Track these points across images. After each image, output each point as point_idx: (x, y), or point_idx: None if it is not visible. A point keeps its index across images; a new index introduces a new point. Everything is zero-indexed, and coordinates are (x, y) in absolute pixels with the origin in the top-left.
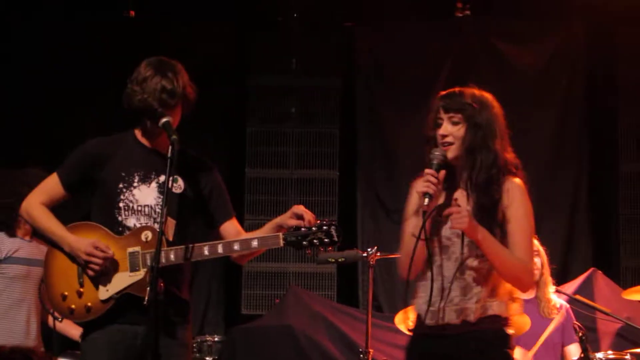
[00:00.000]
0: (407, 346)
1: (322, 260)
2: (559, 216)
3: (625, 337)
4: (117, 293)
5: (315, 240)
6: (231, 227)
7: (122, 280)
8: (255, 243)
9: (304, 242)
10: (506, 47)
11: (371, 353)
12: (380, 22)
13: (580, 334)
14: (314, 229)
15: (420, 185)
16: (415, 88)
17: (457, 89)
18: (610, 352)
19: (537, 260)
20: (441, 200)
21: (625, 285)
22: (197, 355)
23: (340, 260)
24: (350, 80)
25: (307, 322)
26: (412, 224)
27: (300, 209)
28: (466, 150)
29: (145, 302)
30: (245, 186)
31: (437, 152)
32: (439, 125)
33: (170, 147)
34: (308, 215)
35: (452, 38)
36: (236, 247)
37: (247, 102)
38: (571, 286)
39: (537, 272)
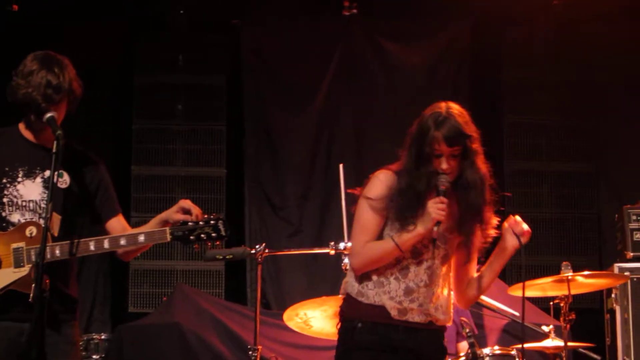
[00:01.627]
0: (361, 330)
1: (210, 257)
2: None
3: (511, 333)
4: (0, 289)
5: (202, 235)
6: (117, 224)
7: (6, 276)
8: (142, 238)
9: (191, 237)
10: (393, 47)
11: (260, 350)
12: (266, 20)
13: (467, 330)
14: (201, 223)
15: (436, 213)
16: (302, 86)
17: (454, 118)
18: (497, 347)
19: None
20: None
21: (512, 283)
22: (84, 353)
23: (228, 257)
24: (238, 77)
25: (195, 320)
26: (394, 229)
27: (187, 203)
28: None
29: (30, 299)
30: (132, 184)
31: (443, 179)
32: (438, 157)
33: (55, 142)
34: (195, 209)
35: (339, 37)
36: (123, 242)
37: (133, 100)
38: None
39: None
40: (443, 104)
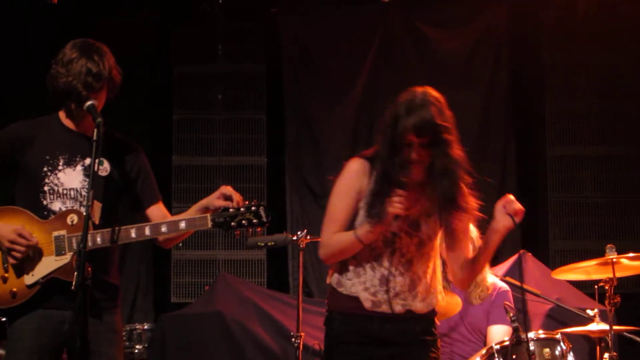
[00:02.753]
0: (339, 322)
1: (252, 244)
2: (487, 200)
3: (555, 318)
4: (42, 278)
5: (243, 221)
6: (157, 211)
7: (48, 264)
8: (183, 224)
9: (232, 223)
10: (432, 32)
11: (302, 337)
12: (305, 8)
13: (511, 314)
14: (242, 209)
15: (392, 207)
16: (341, 73)
17: (427, 106)
18: (541, 331)
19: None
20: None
21: (554, 267)
22: (127, 343)
23: (269, 244)
24: (277, 66)
25: (238, 309)
26: (359, 221)
27: (228, 189)
28: (431, 162)
29: (72, 287)
30: (173, 174)
31: (404, 173)
32: (408, 146)
33: (95, 130)
34: (236, 196)
35: (378, 23)
36: (164, 229)
37: (173, 90)
38: (501, 268)
39: None
40: (419, 90)
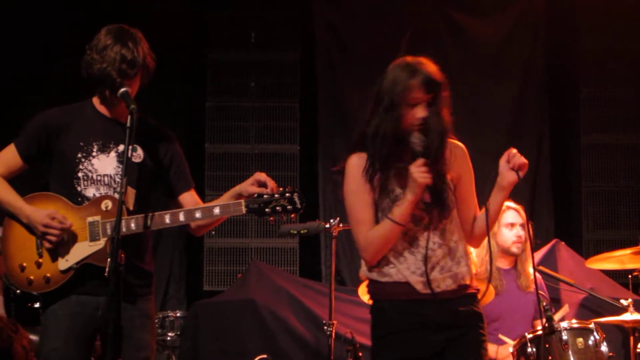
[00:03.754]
0: (391, 310)
1: (284, 232)
2: (521, 188)
3: (589, 308)
4: (76, 263)
5: (278, 207)
6: (190, 198)
7: (82, 250)
8: (217, 210)
9: (267, 209)
10: (466, 19)
11: (335, 325)
12: None
13: (544, 304)
14: (276, 195)
15: (421, 176)
16: (375, 61)
17: (427, 65)
18: (574, 320)
19: (522, 233)
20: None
21: (588, 256)
22: (160, 330)
23: (302, 231)
24: (310, 53)
25: (270, 297)
26: (385, 207)
27: (262, 176)
28: (429, 126)
29: (106, 273)
30: (206, 162)
31: (417, 140)
32: (413, 106)
33: (129, 117)
34: (270, 182)
35: (412, 10)
36: (198, 214)
37: (206, 77)
38: (535, 258)
39: (520, 246)
40: (409, 57)
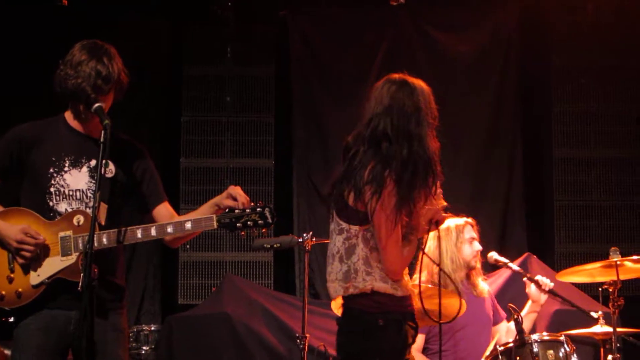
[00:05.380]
0: (406, 323)
1: (258, 246)
2: (494, 203)
3: (559, 320)
4: (48, 278)
5: (249, 222)
6: (164, 211)
7: (53, 264)
8: (188, 225)
9: (238, 224)
10: (440, 35)
11: (308, 338)
12: (314, 10)
13: (515, 316)
14: (247, 210)
15: (440, 201)
16: (350, 76)
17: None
18: (545, 333)
19: (479, 247)
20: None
21: (559, 269)
22: (134, 344)
23: (275, 245)
24: (286, 68)
25: (244, 310)
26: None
27: (235, 190)
28: None
29: (79, 288)
30: (181, 176)
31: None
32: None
33: (102, 132)
34: (242, 197)
35: (387, 26)
36: (170, 229)
37: (181, 92)
38: (507, 270)
39: (478, 259)
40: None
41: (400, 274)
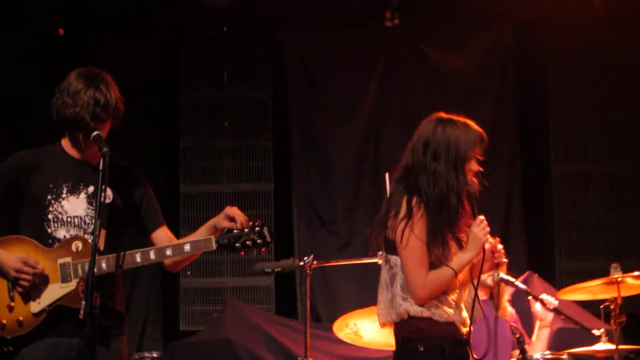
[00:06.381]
0: (448, 349)
1: (259, 270)
2: (493, 220)
3: (561, 339)
4: (49, 305)
5: (248, 242)
6: (163, 234)
7: (53, 292)
8: (187, 247)
9: (237, 244)
10: (436, 54)
11: None
12: (309, 33)
13: (517, 336)
14: (246, 230)
15: (483, 237)
16: (347, 97)
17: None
18: (547, 352)
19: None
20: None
21: (560, 287)
22: None
23: (276, 270)
24: (283, 91)
25: (247, 335)
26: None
27: (233, 210)
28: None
29: (80, 315)
30: (180, 202)
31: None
32: (470, 160)
33: (101, 160)
34: (240, 217)
35: (382, 46)
36: (169, 252)
37: (180, 117)
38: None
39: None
40: (449, 114)
41: (425, 300)
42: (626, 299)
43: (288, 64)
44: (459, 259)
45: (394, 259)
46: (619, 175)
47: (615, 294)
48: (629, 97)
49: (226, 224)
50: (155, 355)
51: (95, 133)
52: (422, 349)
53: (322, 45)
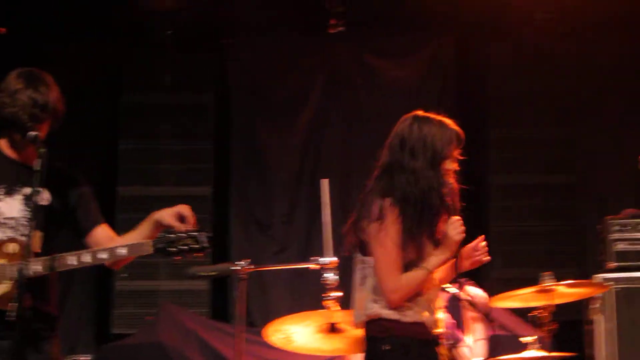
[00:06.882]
0: (413, 348)
1: (193, 274)
2: None
3: (494, 345)
4: None
5: (184, 247)
6: (102, 233)
7: None
8: (124, 251)
9: (173, 249)
10: (378, 63)
11: None
12: (253, 39)
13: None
14: (182, 234)
15: (456, 235)
16: (289, 104)
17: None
18: (481, 359)
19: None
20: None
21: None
22: None
23: (211, 273)
24: (225, 96)
25: (180, 339)
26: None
27: (186, 211)
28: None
29: (11, 317)
30: (118, 205)
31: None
32: (447, 158)
33: (38, 161)
34: (191, 220)
35: (326, 53)
36: (104, 256)
37: (120, 120)
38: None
39: None
40: (426, 112)
41: (398, 303)
42: (558, 307)
43: (230, 69)
44: (433, 259)
45: (367, 260)
46: (553, 186)
47: (547, 302)
48: (566, 109)
49: (173, 222)
50: (87, 358)
51: (32, 133)
52: (387, 348)
53: (266, 52)
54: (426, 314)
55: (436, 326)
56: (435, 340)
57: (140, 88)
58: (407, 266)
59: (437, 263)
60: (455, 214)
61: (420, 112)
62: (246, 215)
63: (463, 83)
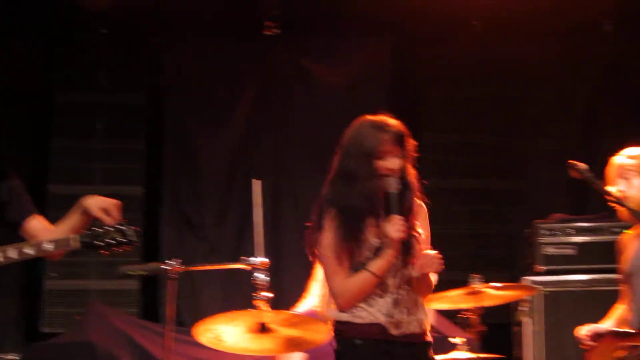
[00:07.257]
0: (361, 347)
1: (123, 273)
2: None
3: None
4: None
5: (111, 240)
6: (37, 224)
7: None
8: (50, 247)
9: (100, 243)
10: (313, 66)
11: None
12: (188, 39)
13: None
14: (109, 228)
15: (395, 234)
16: (223, 105)
17: (391, 118)
18: None
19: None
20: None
21: None
22: None
23: (141, 272)
24: (159, 95)
25: (109, 339)
26: (360, 256)
27: (115, 206)
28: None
29: None
30: (50, 203)
31: (392, 182)
32: (382, 158)
33: None
34: (115, 216)
35: (261, 56)
36: (30, 251)
37: (52, 118)
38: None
39: None
40: (367, 116)
41: (345, 306)
42: (486, 310)
43: (165, 69)
44: (378, 261)
45: None
46: (482, 190)
47: (475, 304)
48: (500, 114)
49: (100, 214)
50: (14, 357)
51: None
52: (338, 349)
53: (200, 52)
54: (381, 314)
55: (400, 327)
56: (393, 341)
57: (73, 87)
58: (358, 268)
59: (380, 264)
60: (399, 213)
61: (368, 116)
62: (177, 215)
63: (398, 87)
